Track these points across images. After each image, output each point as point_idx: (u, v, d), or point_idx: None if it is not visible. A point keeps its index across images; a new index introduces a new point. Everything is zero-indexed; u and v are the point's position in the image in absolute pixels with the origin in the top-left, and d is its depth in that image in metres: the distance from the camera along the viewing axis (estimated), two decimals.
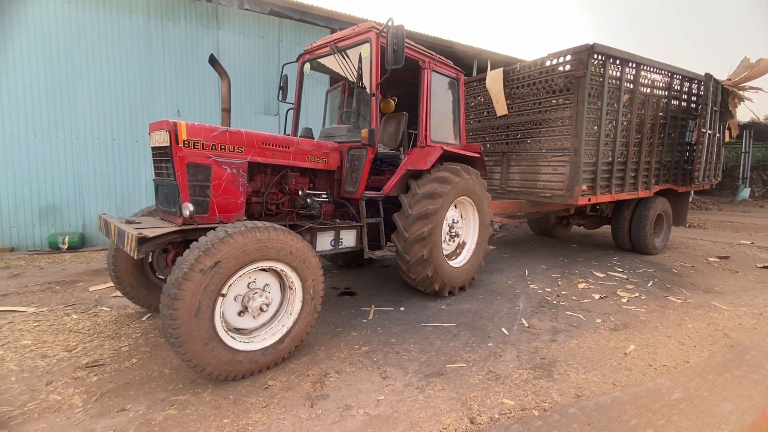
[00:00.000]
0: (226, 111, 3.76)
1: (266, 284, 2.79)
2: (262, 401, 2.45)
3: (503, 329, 3.62)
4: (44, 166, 6.66)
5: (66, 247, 6.58)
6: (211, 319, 2.42)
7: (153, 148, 3.13)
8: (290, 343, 2.86)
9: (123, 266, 3.58)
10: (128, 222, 2.90)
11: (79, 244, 6.71)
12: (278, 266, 2.74)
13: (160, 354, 3.03)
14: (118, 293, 4.13)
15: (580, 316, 4.00)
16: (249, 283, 2.69)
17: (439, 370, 2.85)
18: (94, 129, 6.92)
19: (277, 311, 2.91)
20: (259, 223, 2.65)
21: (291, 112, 4.88)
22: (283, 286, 2.91)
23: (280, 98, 4.79)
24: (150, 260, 3.75)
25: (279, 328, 2.83)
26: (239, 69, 7.98)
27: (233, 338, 2.59)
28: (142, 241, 2.46)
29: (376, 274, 5.35)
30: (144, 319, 3.72)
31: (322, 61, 4.45)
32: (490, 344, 3.31)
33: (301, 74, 4.66)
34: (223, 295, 2.49)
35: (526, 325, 3.73)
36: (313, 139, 4.16)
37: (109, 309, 3.96)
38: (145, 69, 7.20)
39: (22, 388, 2.56)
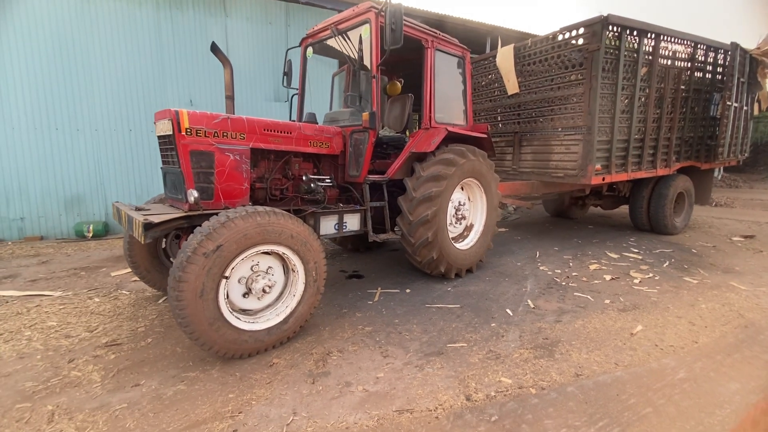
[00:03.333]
0: (230, 98, 3.82)
1: (269, 267, 2.87)
2: (266, 378, 2.56)
3: (508, 310, 3.62)
4: (67, 159, 6.93)
5: (91, 235, 6.89)
6: (215, 300, 2.52)
7: (159, 137, 3.22)
8: (294, 323, 2.95)
9: (138, 252, 3.73)
10: (138, 209, 3.02)
11: (103, 232, 7.02)
12: (280, 249, 2.81)
13: (173, 334, 3.18)
14: (137, 278, 4.33)
15: (589, 297, 3.95)
16: (252, 266, 2.78)
17: (440, 350, 2.90)
18: (112, 121, 7.13)
19: (282, 293, 3.00)
20: (260, 208, 2.72)
21: (296, 97, 4.89)
22: (287, 268, 2.99)
23: (285, 84, 4.80)
24: (164, 246, 3.90)
25: (283, 309, 2.93)
26: (248, 56, 8.02)
27: (238, 318, 2.70)
28: (148, 226, 2.57)
29: (385, 258, 5.40)
30: (160, 301, 3.89)
31: (326, 43, 4.43)
32: (493, 324, 3.32)
33: (305, 58, 4.65)
34: (226, 278, 2.58)
35: (532, 306, 3.72)
36: (317, 123, 4.18)
37: (128, 293, 4.16)
38: (157, 60, 7.33)
39: (46, 365, 2.75)
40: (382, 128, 5.18)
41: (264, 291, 2.77)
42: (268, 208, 2.76)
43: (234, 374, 2.61)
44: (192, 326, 2.47)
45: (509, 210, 9.20)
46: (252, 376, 2.58)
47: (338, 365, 2.70)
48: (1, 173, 6.55)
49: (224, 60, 3.73)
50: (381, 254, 5.60)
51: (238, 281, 2.73)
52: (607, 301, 3.82)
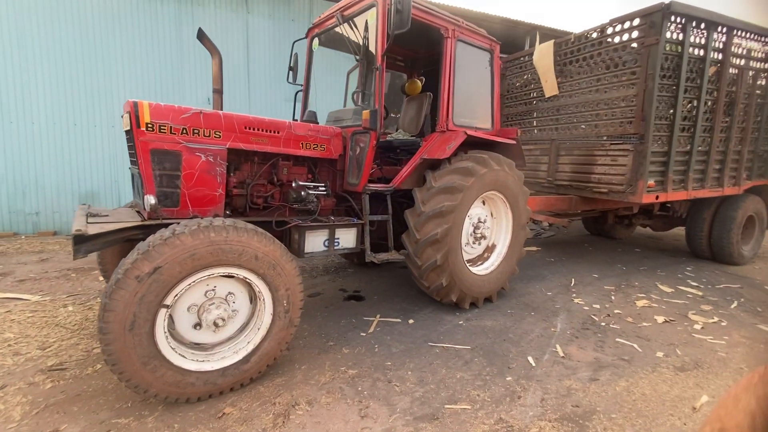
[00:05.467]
0: (218, 92, 3.39)
1: (229, 293, 2.36)
2: None
3: (529, 358, 2.92)
4: (83, 154, 6.86)
5: None
6: (150, 335, 2.04)
7: (126, 133, 2.82)
8: (258, 363, 2.42)
9: (110, 260, 3.37)
10: (89, 215, 2.61)
11: None
12: (240, 273, 2.29)
13: None
14: None
15: (635, 345, 3.16)
16: (207, 292, 2.28)
17: (435, 412, 2.27)
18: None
19: (246, 324, 2.48)
20: (218, 221, 2.22)
21: (301, 94, 4.43)
22: (254, 295, 2.47)
23: (290, 80, 4.34)
24: None
25: (244, 345, 2.41)
26: (269, 55, 7.73)
27: (182, 356, 2.20)
28: (78, 239, 2.13)
29: (393, 276, 4.80)
30: None
31: (333, 34, 3.93)
32: (508, 378, 2.64)
33: (310, 51, 4.18)
34: (167, 307, 2.09)
35: (561, 354, 3.00)
36: (317, 123, 3.68)
37: None
38: (176, 57, 7.16)
39: None
40: (396, 131, 4.61)
41: (216, 324, 2.25)
42: (229, 221, 2.26)
43: (172, 426, 2.11)
44: (120, 365, 2.00)
45: (543, 226, 8.33)
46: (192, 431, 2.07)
47: (301, 424, 2.14)
48: (19, 167, 6.54)
49: (212, 49, 3.30)
50: (390, 271, 5.01)
51: (188, 309, 2.24)
52: (660, 354, 3.03)
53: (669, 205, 6.08)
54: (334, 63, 6.36)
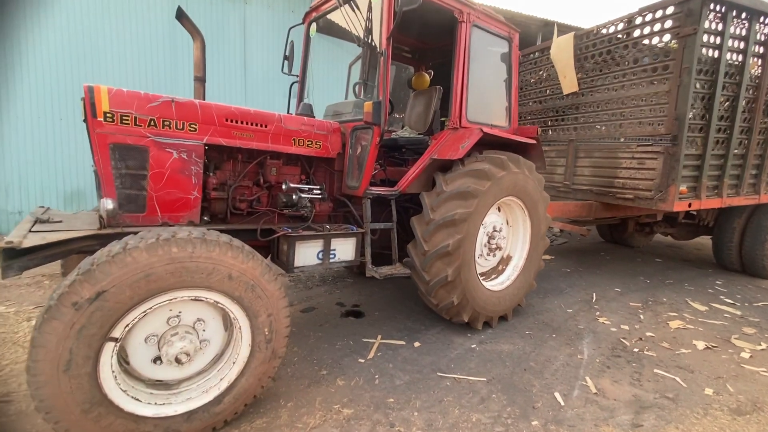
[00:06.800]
0: (199, 80, 2.99)
1: (198, 319, 1.94)
2: None
3: (557, 394, 2.48)
4: (69, 151, 6.48)
5: None
6: (92, 376, 1.63)
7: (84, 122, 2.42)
8: (233, 403, 2.00)
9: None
10: (38, 221, 2.20)
11: None
12: (209, 297, 1.87)
13: None
14: None
15: (678, 379, 2.72)
16: (169, 318, 1.86)
17: None
18: None
19: (221, 355, 2.06)
20: (182, 232, 1.80)
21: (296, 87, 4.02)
22: (229, 321, 2.05)
23: (285, 70, 3.93)
24: None
25: (216, 383, 1.99)
26: (267, 47, 7.33)
27: (136, 400, 1.78)
28: (8, 254, 1.72)
29: (397, 288, 4.37)
30: None
31: (332, 18, 3.52)
32: (534, 422, 2.21)
33: (307, 38, 3.77)
34: (115, 340, 1.68)
35: (593, 389, 2.56)
36: (313, 117, 3.26)
37: None
38: (170, 48, 6.77)
39: None
40: (402, 128, 4.20)
41: (178, 361, 1.83)
42: (197, 232, 1.84)
43: None
44: (54, 413, 1.59)
45: (554, 232, 7.88)
46: None
47: None
48: (1, 164, 6.17)
49: (193, 31, 2.89)
50: (393, 282, 4.56)
51: (146, 341, 1.82)
52: (709, 391, 2.59)
53: (695, 212, 5.65)
54: (334, 52, 5.96)
